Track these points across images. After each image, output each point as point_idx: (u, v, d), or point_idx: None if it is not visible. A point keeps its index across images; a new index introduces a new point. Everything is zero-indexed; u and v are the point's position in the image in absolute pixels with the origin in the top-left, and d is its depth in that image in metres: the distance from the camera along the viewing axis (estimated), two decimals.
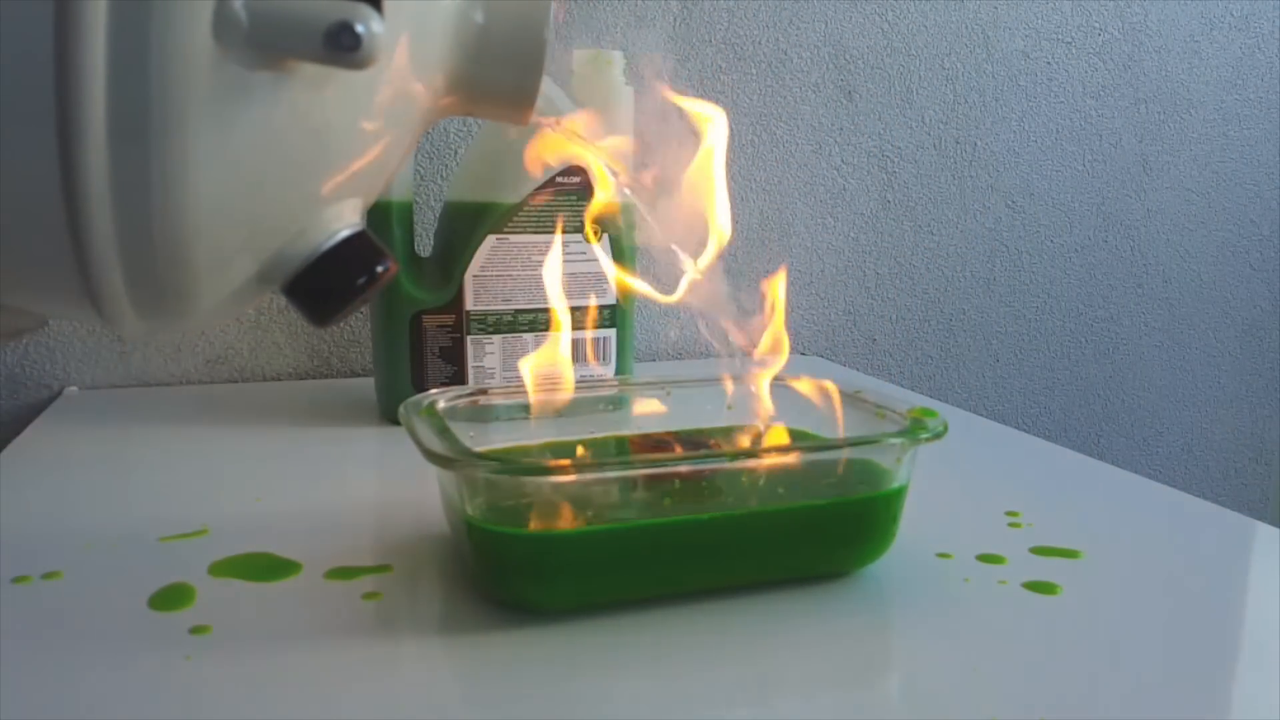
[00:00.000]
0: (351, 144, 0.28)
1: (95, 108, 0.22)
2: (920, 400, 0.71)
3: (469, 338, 0.60)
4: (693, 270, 0.38)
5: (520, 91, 0.32)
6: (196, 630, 0.33)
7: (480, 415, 0.42)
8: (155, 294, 0.26)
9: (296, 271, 0.28)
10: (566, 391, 0.41)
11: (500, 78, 0.32)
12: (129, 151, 0.23)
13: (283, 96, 0.25)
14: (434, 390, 0.41)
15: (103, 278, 0.25)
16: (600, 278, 0.61)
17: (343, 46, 0.23)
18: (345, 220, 0.29)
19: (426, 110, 0.31)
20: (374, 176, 0.30)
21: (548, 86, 0.33)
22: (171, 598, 0.36)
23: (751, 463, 0.37)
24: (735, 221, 0.87)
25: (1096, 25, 0.95)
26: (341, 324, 0.77)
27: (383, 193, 0.59)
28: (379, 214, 0.59)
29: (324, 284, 0.28)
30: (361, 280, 0.28)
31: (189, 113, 0.23)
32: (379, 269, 0.29)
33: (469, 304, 0.59)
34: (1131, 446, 1.05)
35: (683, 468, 0.36)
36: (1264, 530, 0.45)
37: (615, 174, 0.37)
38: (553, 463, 0.34)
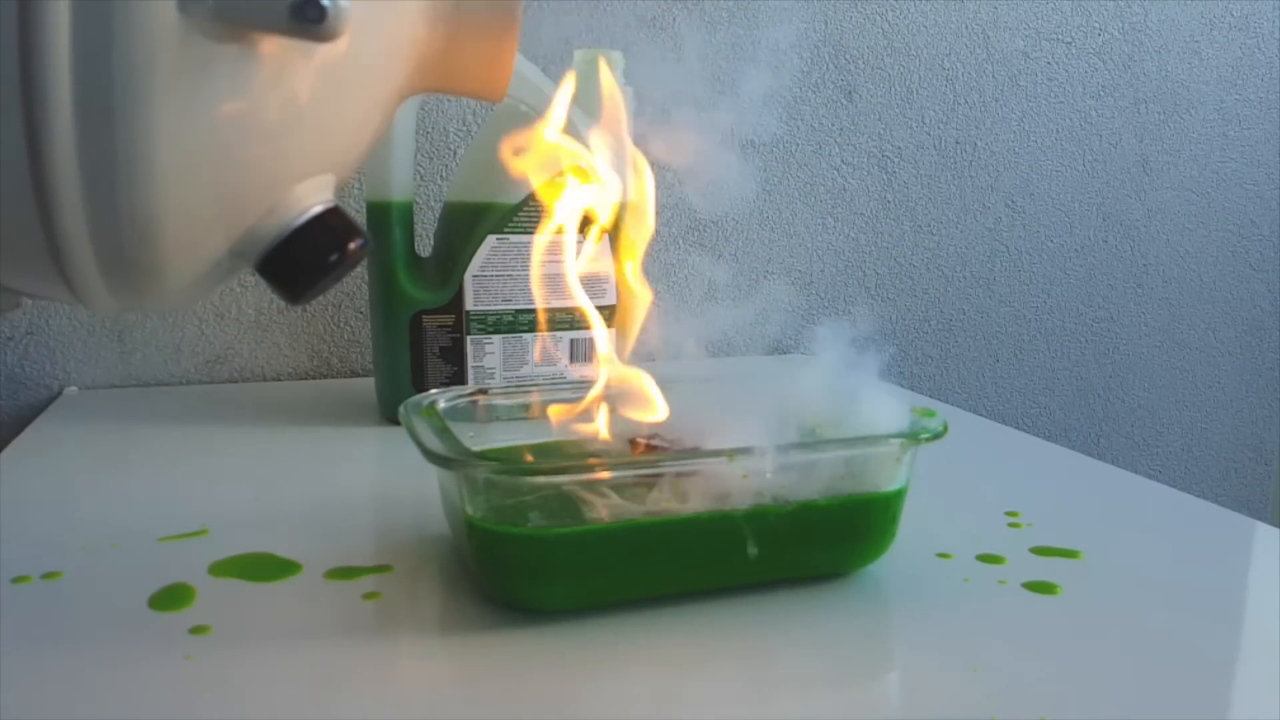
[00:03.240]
0: (321, 119, 0.28)
1: (60, 82, 0.22)
2: (920, 400, 0.71)
3: (469, 338, 0.60)
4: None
5: (493, 67, 0.32)
6: (196, 630, 0.33)
7: (480, 415, 0.42)
8: (126, 270, 0.26)
9: (268, 248, 0.28)
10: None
11: (473, 53, 0.31)
12: (95, 126, 0.23)
13: (249, 70, 0.25)
14: (434, 390, 0.41)
15: (72, 253, 0.25)
16: (599, 278, 0.61)
17: (308, 19, 0.23)
18: (317, 196, 0.28)
19: (399, 86, 0.30)
20: (346, 152, 0.30)
21: (523, 65, 0.32)
22: (171, 598, 0.36)
23: (751, 462, 0.37)
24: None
25: (1096, 25, 0.95)
26: (341, 324, 0.77)
27: (383, 193, 0.59)
28: (379, 214, 0.59)
29: (296, 261, 0.28)
30: (334, 256, 0.28)
31: (155, 87, 0.23)
32: (351, 245, 0.28)
33: (469, 304, 0.59)
34: (1131, 446, 1.05)
35: (681, 467, 0.36)
36: (1264, 530, 0.45)
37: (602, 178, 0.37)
38: (553, 463, 0.34)
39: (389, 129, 0.58)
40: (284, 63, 0.25)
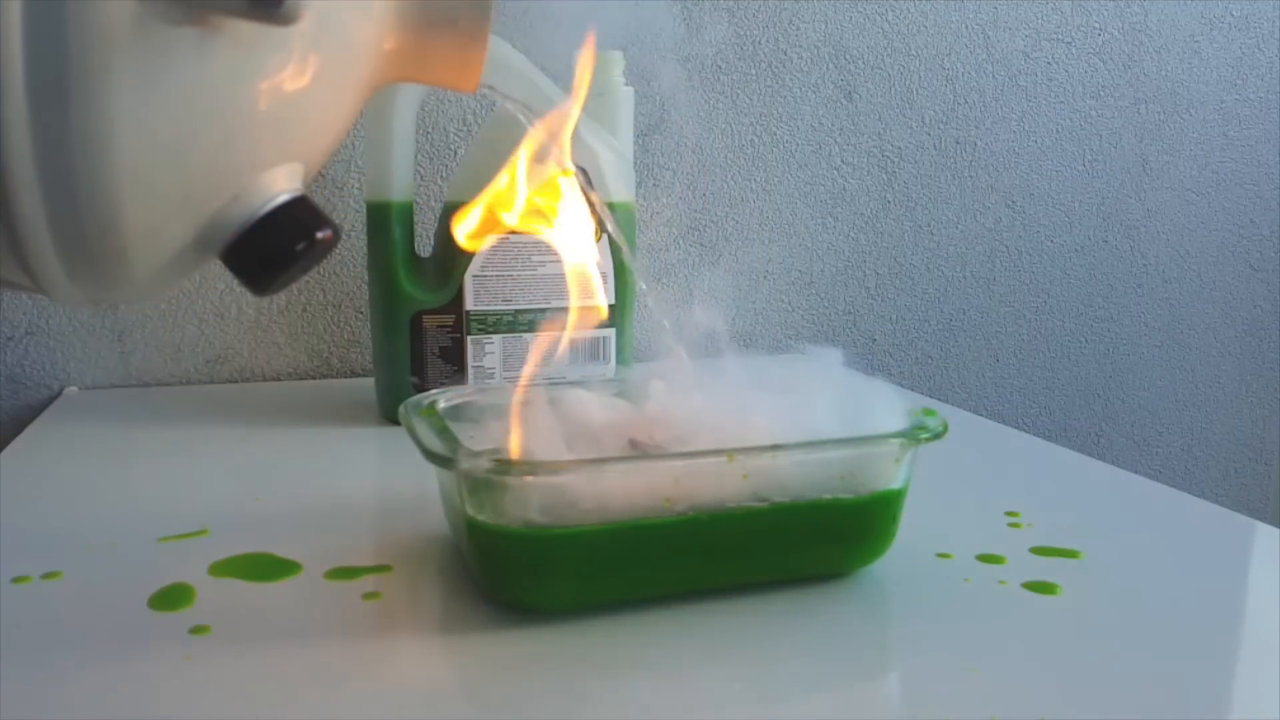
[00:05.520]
0: (284, 106, 0.27)
1: (13, 65, 0.22)
2: (920, 400, 0.71)
3: (469, 338, 0.60)
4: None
5: (465, 61, 0.31)
6: (196, 630, 0.33)
7: (480, 415, 0.42)
8: (87, 257, 0.25)
9: (234, 237, 0.27)
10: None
11: (444, 46, 0.31)
12: (50, 111, 0.23)
13: (208, 55, 0.24)
14: (434, 390, 0.41)
15: (30, 239, 0.24)
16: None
17: (266, 1, 0.23)
18: (284, 185, 0.28)
19: (368, 75, 0.30)
20: (313, 141, 0.29)
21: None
22: (171, 598, 0.36)
23: (751, 461, 0.37)
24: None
25: (1096, 25, 0.95)
26: (341, 324, 0.77)
27: (383, 193, 0.59)
28: (379, 214, 0.59)
29: (262, 250, 0.27)
30: (300, 246, 0.27)
31: (110, 71, 0.23)
32: (319, 234, 0.28)
33: (469, 304, 0.59)
34: (1131, 446, 1.05)
35: (681, 465, 0.36)
36: (1264, 530, 0.45)
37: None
38: (552, 462, 0.34)
39: (389, 128, 0.58)
40: (245, 47, 0.25)
